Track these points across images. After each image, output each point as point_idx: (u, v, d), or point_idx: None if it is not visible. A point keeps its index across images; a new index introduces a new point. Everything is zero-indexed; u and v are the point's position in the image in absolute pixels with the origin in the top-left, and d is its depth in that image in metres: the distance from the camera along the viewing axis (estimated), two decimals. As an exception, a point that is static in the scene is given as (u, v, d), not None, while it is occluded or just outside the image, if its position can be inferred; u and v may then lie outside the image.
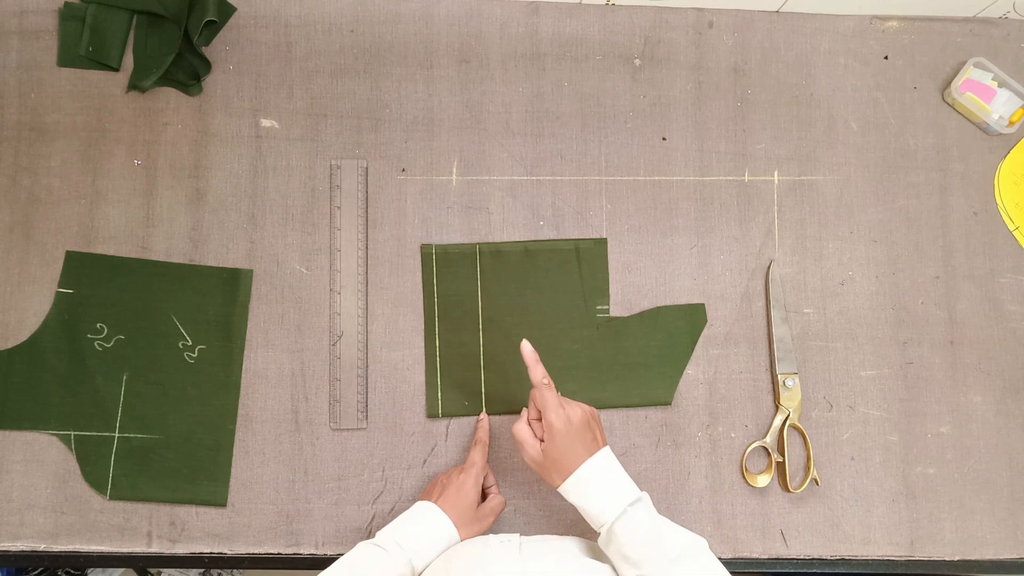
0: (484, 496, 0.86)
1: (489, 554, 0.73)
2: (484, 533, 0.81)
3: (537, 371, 0.78)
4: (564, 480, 0.74)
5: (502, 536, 0.77)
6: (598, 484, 0.73)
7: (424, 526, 0.78)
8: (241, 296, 0.92)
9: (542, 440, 0.76)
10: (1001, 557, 0.92)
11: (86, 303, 0.92)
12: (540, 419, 0.76)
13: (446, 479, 0.84)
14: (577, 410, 0.76)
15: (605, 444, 0.76)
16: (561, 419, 0.74)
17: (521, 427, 0.77)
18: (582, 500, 0.73)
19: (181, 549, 0.89)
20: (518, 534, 0.78)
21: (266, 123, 0.95)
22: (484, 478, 0.86)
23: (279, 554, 0.89)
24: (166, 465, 0.89)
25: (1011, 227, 0.98)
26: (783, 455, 0.92)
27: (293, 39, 0.96)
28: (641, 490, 0.74)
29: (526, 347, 0.79)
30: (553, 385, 0.78)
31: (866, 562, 0.92)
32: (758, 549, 0.91)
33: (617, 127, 0.97)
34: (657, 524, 0.72)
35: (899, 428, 0.94)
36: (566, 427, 0.74)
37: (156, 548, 0.89)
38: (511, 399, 0.92)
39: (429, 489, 0.85)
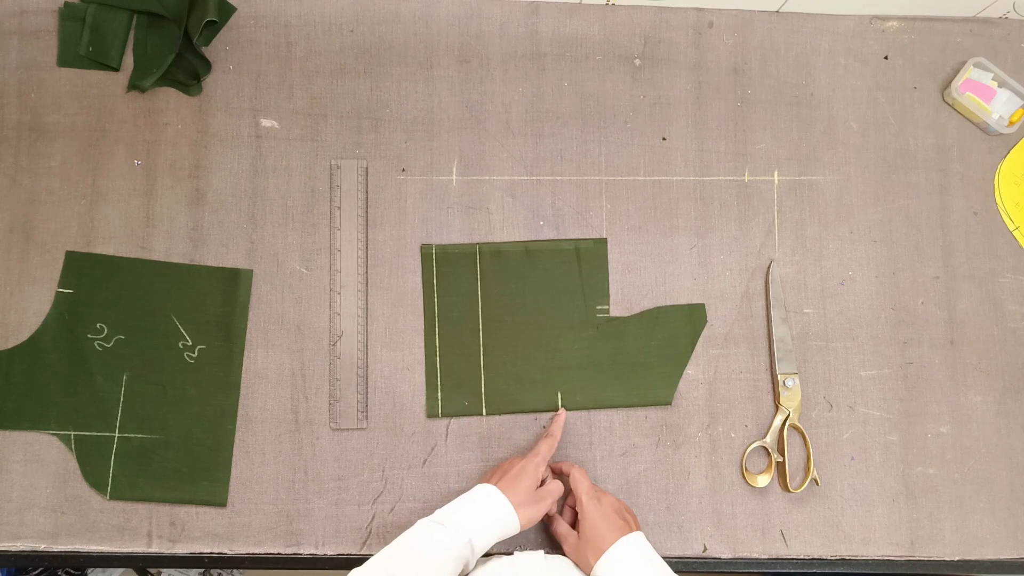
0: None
1: (519, 569, 0.77)
2: (542, 515, 0.82)
3: (564, 463, 0.87)
4: (596, 560, 0.78)
5: (528, 553, 0.81)
6: (627, 564, 0.77)
7: (483, 506, 0.79)
8: (241, 296, 0.92)
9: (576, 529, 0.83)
10: (1001, 557, 0.92)
11: (86, 303, 0.92)
12: (575, 506, 0.83)
13: (507, 464, 0.85)
14: (608, 496, 0.84)
15: (638, 529, 0.81)
16: (592, 500, 0.81)
17: (558, 525, 0.84)
18: None
19: (181, 549, 0.89)
20: (543, 551, 0.83)
21: (266, 123, 0.95)
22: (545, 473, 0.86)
23: (279, 554, 0.89)
24: (166, 465, 0.89)
25: (1011, 227, 0.98)
26: (783, 455, 0.92)
27: (293, 39, 0.96)
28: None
29: (554, 464, 0.89)
30: (586, 472, 0.86)
31: (866, 562, 0.92)
32: (758, 549, 0.91)
33: (617, 127, 0.97)
34: None
35: (899, 428, 0.94)
36: (597, 508, 0.81)
37: (156, 548, 0.89)
38: (511, 399, 0.92)
39: (489, 474, 0.86)
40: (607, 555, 0.78)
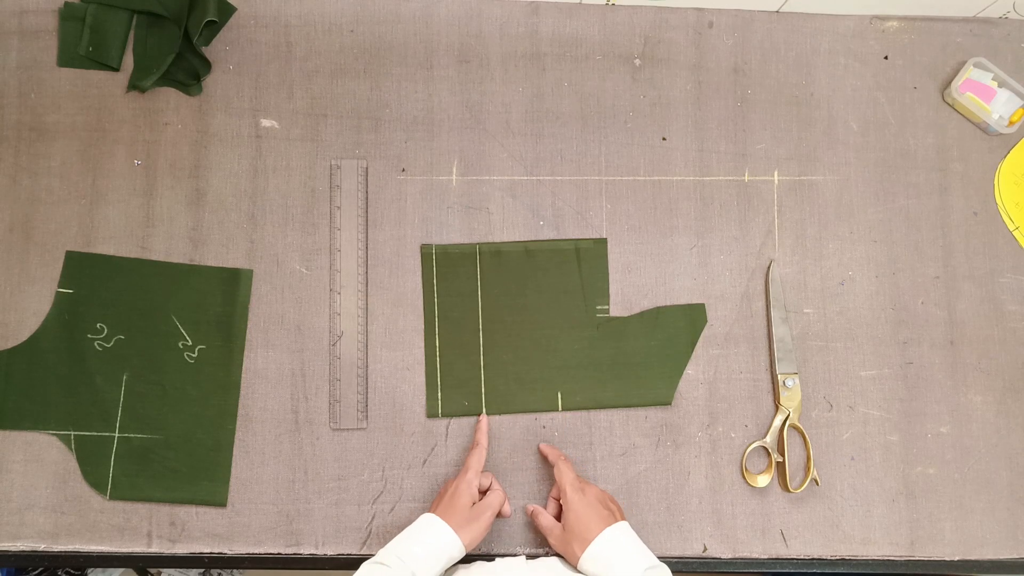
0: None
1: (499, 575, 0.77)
2: (485, 530, 0.81)
3: (552, 453, 0.88)
4: (583, 551, 0.78)
5: (509, 559, 0.81)
6: (614, 554, 0.77)
7: (423, 536, 0.79)
8: (241, 296, 0.92)
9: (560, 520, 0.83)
10: (1001, 557, 0.92)
11: (86, 303, 0.92)
12: (559, 498, 0.84)
13: (444, 488, 0.85)
14: (592, 487, 0.84)
15: (623, 519, 0.81)
16: (577, 491, 0.82)
17: (543, 518, 0.84)
18: (600, 569, 0.77)
19: (181, 549, 0.89)
20: (523, 556, 0.83)
21: (266, 123, 0.95)
22: (485, 481, 0.86)
23: (279, 554, 0.89)
24: (166, 465, 0.89)
25: (1011, 227, 0.98)
26: (783, 455, 0.92)
27: (293, 39, 0.96)
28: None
29: (544, 448, 0.90)
30: (571, 464, 0.86)
31: (866, 562, 0.92)
32: (758, 549, 0.91)
33: (617, 127, 0.97)
34: None
35: (899, 428, 0.94)
36: (581, 499, 0.81)
37: (156, 548, 0.89)
38: (511, 399, 0.92)
39: (434, 501, 0.86)
40: (593, 545, 0.78)
